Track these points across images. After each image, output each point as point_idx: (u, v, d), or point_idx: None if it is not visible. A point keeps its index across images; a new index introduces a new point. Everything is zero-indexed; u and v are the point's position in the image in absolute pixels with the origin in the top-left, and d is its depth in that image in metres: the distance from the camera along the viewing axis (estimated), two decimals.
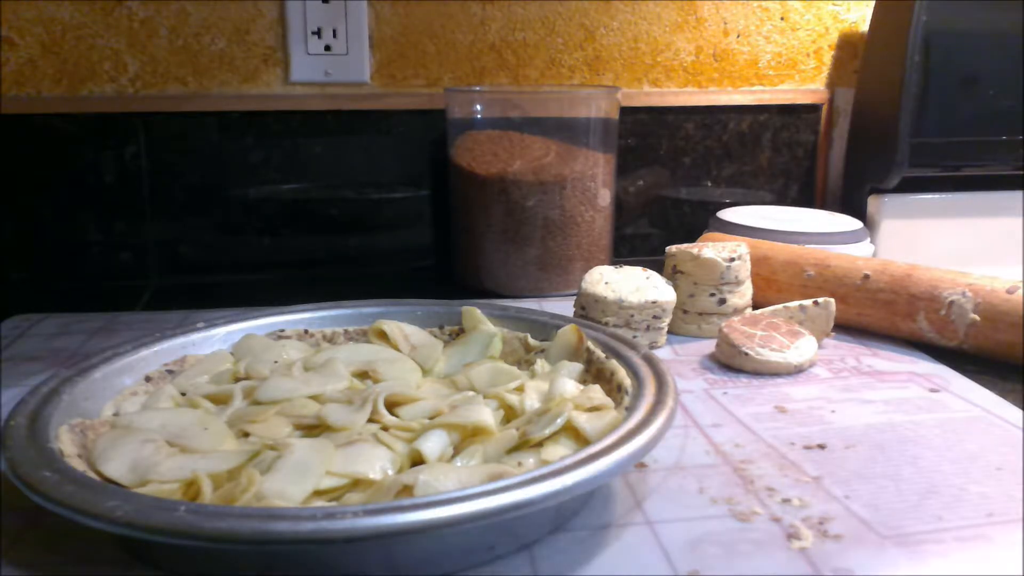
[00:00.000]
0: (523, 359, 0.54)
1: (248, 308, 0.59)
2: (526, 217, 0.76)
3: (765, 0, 0.93)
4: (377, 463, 0.40)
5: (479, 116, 0.78)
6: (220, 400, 0.47)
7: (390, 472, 0.39)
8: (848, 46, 0.96)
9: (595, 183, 0.77)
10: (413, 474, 0.37)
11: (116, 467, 0.39)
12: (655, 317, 0.62)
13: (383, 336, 0.55)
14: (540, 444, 0.41)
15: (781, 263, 0.70)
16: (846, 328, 0.66)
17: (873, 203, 0.90)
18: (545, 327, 0.55)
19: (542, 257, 0.78)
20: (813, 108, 0.96)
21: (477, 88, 0.87)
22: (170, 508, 0.33)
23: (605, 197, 0.79)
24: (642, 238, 0.97)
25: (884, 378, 0.58)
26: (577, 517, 0.40)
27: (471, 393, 0.49)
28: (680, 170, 0.96)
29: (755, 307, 0.68)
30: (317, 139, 0.87)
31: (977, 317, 0.60)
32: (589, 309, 0.63)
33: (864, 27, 0.95)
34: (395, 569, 0.35)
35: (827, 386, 0.57)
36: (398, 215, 0.90)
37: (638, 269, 0.65)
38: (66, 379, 0.45)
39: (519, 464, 0.40)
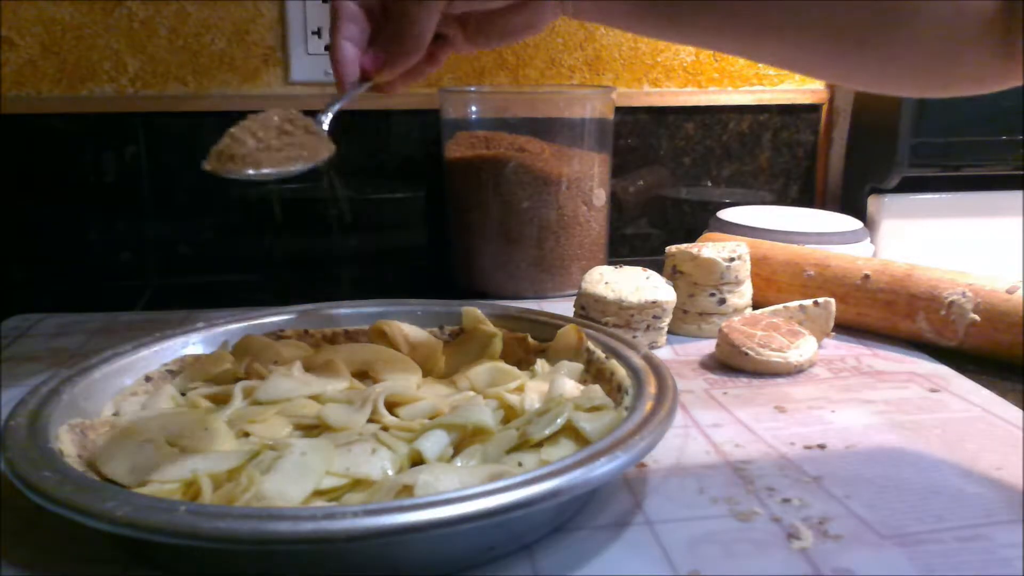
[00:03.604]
0: (523, 359, 0.54)
1: (248, 308, 0.58)
2: (522, 218, 0.76)
3: None
4: (377, 463, 0.40)
5: (473, 116, 0.78)
6: (220, 400, 0.47)
7: (390, 472, 0.39)
8: None
9: (591, 183, 0.77)
10: (413, 474, 0.37)
11: (116, 467, 0.39)
12: (655, 317, 0.62)
13: (383, 336, 0.55)
14: (540, 444, 0.41)
15: (781, 263, 0.70)
16: (846, 328, 0.66)
17: (873, 203, 0.90)
18: (545, 327, 0.55)
19: (540, 258, 0.77)
20: (813, 108, 0.96)
21: (471, 88, 0.87)
22: (170, 508, 0.33)
23: (601, 197, 0.79)
24: (642, 238, 0.97)
25: (884, 378, 0.58)
26: (577, 517, 0.40)
27: (471, 393, 0.49)
28: (680, 170, 0.96)
29: (755, 307, 0.68)
30: None
31: (977, 317, 0.60)
32: (589, 309, 0.63)
33: None
34: (395, 569, 0.35)
35: (827, 386, 0.57)
36: (398, 215, 0.90)
37: (638, 269, 0.65)
38: (66, 379, 0.45)
39: (519, 464, 0.40)
